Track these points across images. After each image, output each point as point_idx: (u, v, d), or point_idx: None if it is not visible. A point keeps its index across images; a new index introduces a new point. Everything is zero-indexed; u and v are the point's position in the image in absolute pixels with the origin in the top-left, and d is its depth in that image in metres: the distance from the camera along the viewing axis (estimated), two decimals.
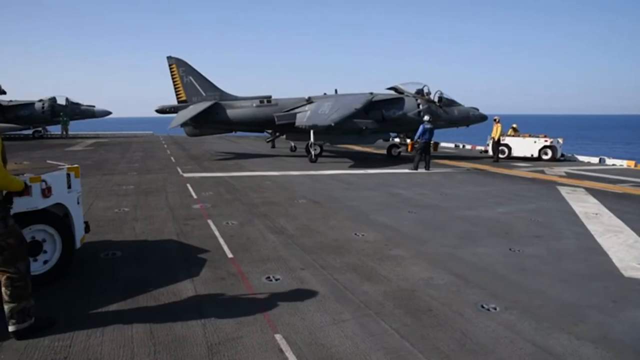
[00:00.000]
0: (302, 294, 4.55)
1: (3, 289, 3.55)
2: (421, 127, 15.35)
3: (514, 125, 21.14)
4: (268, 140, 24.29)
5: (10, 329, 3.55)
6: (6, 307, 3.55)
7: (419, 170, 15.08)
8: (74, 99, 32.84)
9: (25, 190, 3.89)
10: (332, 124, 16.38)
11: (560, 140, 19.45)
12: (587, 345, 3.63)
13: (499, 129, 18.71)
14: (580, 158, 20.12)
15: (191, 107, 19.38)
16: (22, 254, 3.61)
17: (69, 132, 32.77)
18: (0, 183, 3.52)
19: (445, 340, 3.67)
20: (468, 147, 26.32)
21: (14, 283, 3.54)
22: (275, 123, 18.96)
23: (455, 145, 27.16)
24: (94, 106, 33.75)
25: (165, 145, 25.60)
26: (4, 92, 3.94)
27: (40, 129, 32.81)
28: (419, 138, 15.45)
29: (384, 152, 21.11)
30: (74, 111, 32.44)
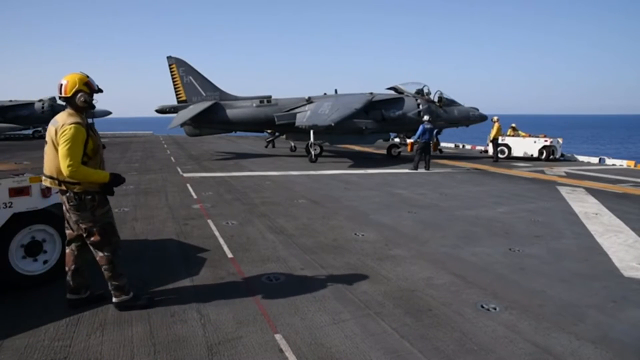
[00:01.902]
0: (302, 294, 4.55)
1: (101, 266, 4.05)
2: (421, 127, 15.35)
3: (513, 125, 21.16)
4: (268, 140, 24.28)
5: (113, 300, 4.09)
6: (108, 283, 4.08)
7: (419, 170, 15.09)
8: None
9: (116, 180, 3.99)
10: (332, 124, 16.38)
11: (560, 140, 19.52)
12: (587, 345, 3.63)
13: (497, 128, 18.73)
14: (580, 158, 20.12)
15: (191, 107, 19.38)
16: (106, 242, 4.00)
17: None
18: (77, 178, 3.74)
19: (445, 340, 3.67)
20: (468, 147, 26.33)
21: (104, 266, 4.03)
22: (275, 123, 18.96)
23: (455, 145, 27.17)
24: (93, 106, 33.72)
25: (165, 145, 25.61)
26: (100, 91, 4.12)
27: (40, 128, 32.79)
28: (418, 138, 15.45)
29: (384, 152, 21.11)
30: None
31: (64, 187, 3.85)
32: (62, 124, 3.76)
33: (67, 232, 4.14)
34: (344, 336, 3.71)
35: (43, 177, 4.01)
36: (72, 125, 3.73)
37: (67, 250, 4.15)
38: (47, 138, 3.89)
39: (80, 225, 3.93)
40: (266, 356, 3.39)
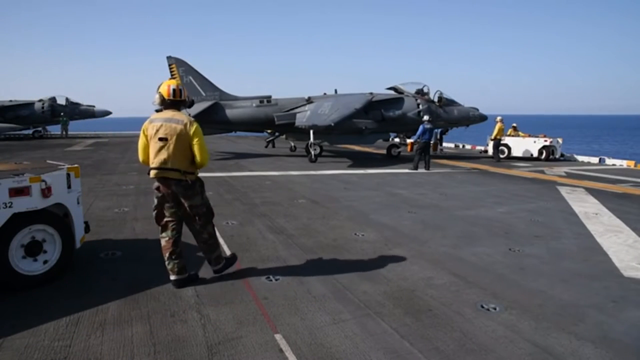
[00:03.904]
0: (302, 294, 4.55)
1: (201, 245, 4.83)
2: (421, 127, 15.35)
3: (514, 125, 21.20)
4: (268, 140, 24.24)
5: (213, 269, 4.91)
6: (207, 256, 4.89)
7: (419, 170, 15.09)
8: (74, 99, 32.80)
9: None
10: (332, 124, 16.37)
11: (560, 140, 19.60)
12: (587, 345, 3.63)
13: (499, 128, 18.74)
14: (580, 158, 20.17)
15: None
16: (211, 220, 4.82)
17: (69, 132, 32.73)
18: (204, 163, 4.63)
19: (445, 340, 3.67)
20: (468, 147, 26.34)
21: (209, 241, 4.81)
22: (275, 123, 18.95)
23: (455, 145, 27.18)
24: (94, 106, 33.69)
25: None
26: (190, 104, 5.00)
27: (40, 128, 32.77)
28: (418, 138, 15.46)
29: (384, 152, 21.11)
30: (74, 111, 32.37)
31: (184, 177, 4.47)
32: (188, 123, 4.49)
33: (168, 220, 4.67)
34: (344, 336, 3.71)
35: (156, 171, 4.47)
36: (197, 123, 4.58)
37: (167, 239, 4.65)
38: (169, 134, 4.41)
39: (193, 209, 4.60)
40: (266, 356, 3.39)
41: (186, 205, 4.58)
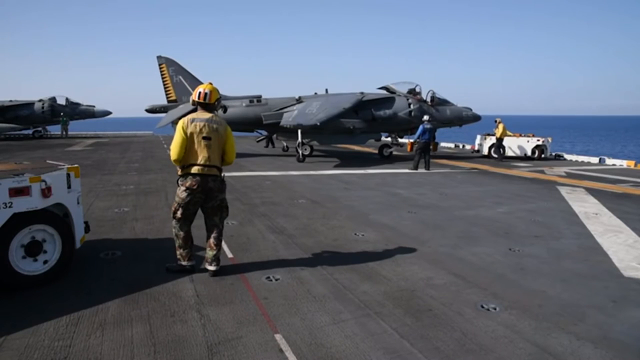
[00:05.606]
0: (302, 294, 4.55)
1: (212, 240, 4.95)
2: (421, 127, 15.33)
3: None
4: (259, 140, 24.17)
5: (212, 269, 4.91)
6: (211, 253, 4.93)
7: (419, 170, 15.09)
8: (74, 99, 32.80)
9: None
10: (318, 124, 16.22)
11: (550, 140, 20.26)
12: (587, 345, 3.63)
13: (503, 128, 18.89)
14: (580, 158, 20.33)
15: (181, 106, 19.32)
16: (228, 214, 5.16)
17: (69, 132, 32.72)
18: (232, 162, 5.06)
19: (445, 340, 3.67)
20: (468, 147, 26.34)
21: (220, 236, 5.02)
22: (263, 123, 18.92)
23: (455, 145, 27.19)
24: (94, 106, 33.68)
25: (165, 145, 25.56)
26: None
27: (40, 128, 32.76)
28: (418, 138, 15.44)
29: None
30: (74, 111, 32.37)
31: (220, 174, 4.91)
32: (224, 124, 4.92)
33: (190, 213, 4.97)
34: (344, 336, 3.71)
35: (205, 168, 4.76)
36: (229, 127, 4.96)
37: (187, 230, 4.98)
38: (211, 134, 4.75)
39: (223, 202, 5.01)
40: (266, 356, 3.39)
41: (219, 199, 4.95)
